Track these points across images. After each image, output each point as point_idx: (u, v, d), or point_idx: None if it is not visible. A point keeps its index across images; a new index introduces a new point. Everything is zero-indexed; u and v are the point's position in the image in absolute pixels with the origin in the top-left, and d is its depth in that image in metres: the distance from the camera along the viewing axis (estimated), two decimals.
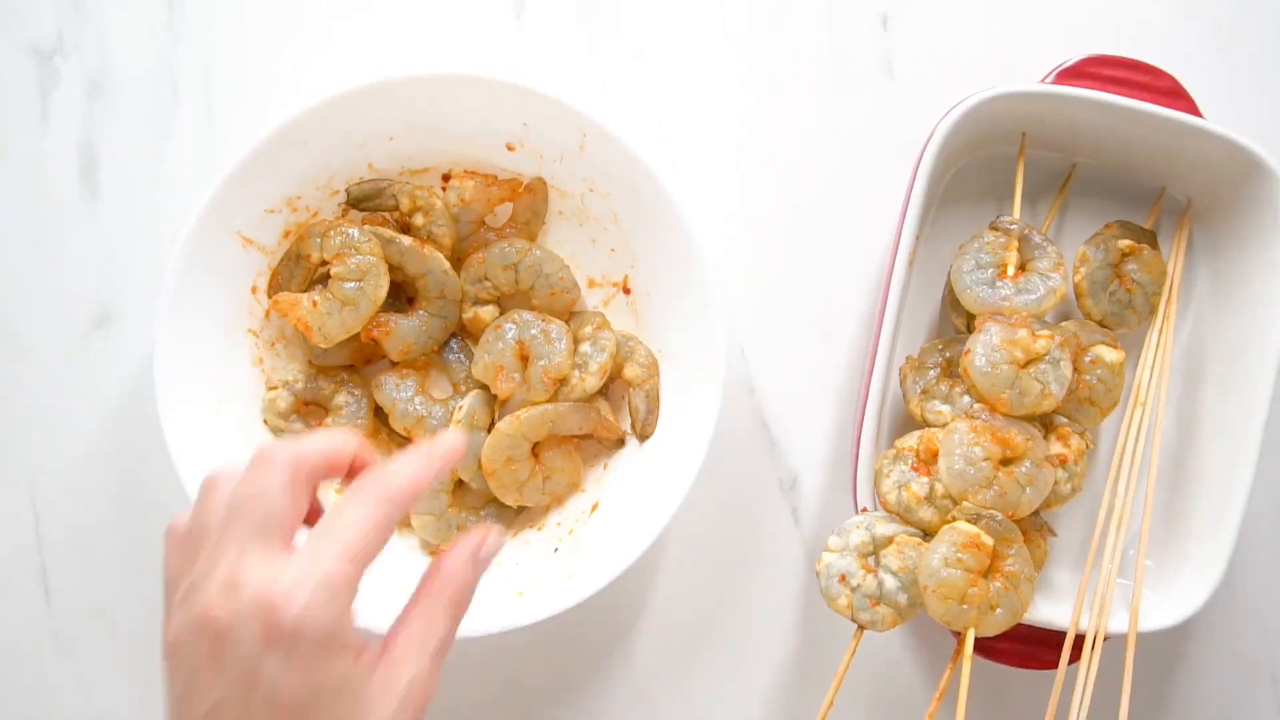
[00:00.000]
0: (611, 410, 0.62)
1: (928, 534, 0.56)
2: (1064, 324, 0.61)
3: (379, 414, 0.61)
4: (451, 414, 0.60)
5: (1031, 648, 0.59)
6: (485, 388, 0.61)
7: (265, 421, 0.60)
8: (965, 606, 0.54)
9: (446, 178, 0.62)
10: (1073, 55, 0.61)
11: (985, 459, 0.55)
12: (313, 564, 0.36)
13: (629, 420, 0.62)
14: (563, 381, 0.60)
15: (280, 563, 0.36)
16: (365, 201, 0.61)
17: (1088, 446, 0.59)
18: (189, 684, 0.35)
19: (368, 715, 0.37)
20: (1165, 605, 0.59)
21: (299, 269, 0.60)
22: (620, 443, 0.62)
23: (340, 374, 0.61)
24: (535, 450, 0.60)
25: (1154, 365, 0.62)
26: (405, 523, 0.60)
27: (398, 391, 0.60)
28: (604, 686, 0.63)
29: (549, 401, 0.60)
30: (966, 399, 0.58)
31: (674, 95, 0.66)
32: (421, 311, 0.61)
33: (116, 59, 0.63)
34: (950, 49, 0.66)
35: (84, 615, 0.62)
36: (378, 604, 0.56)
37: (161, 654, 0.37)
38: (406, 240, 0.60)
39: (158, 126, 0.63)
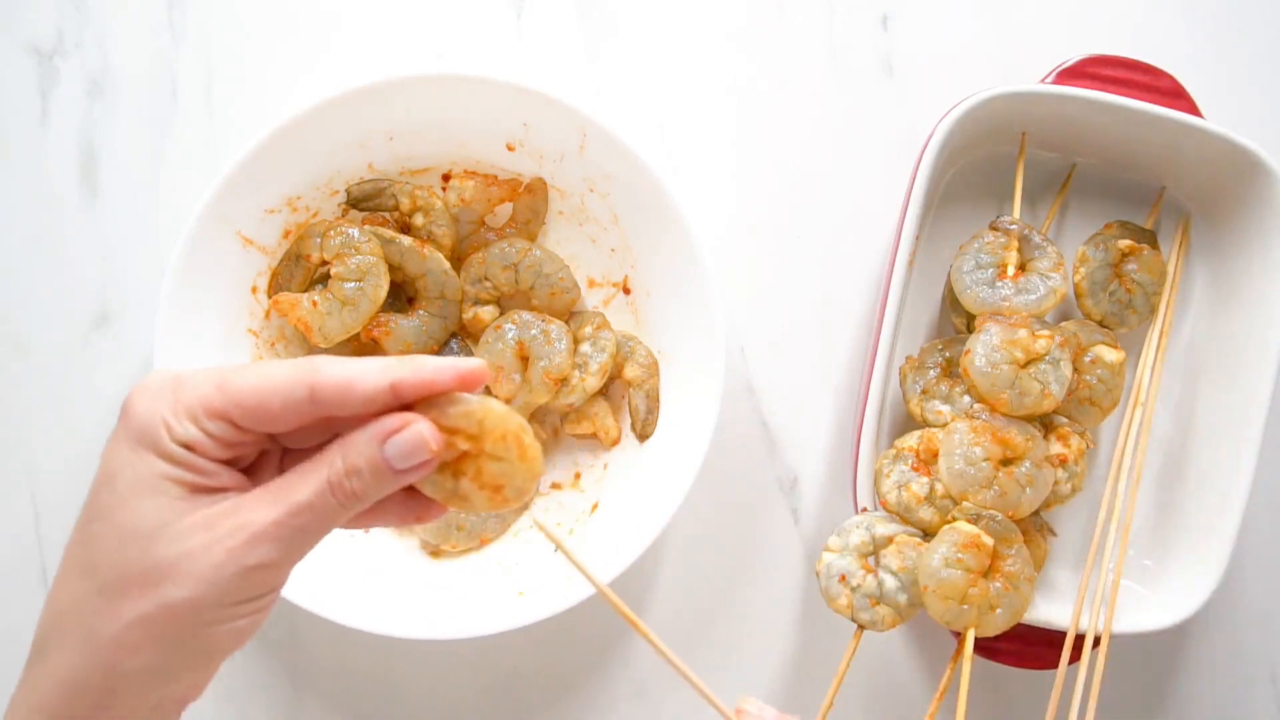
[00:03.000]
0: (612, 410, 0.62)
1: (928, 534, 0.56)
2: (1064, 324, 0.61)
3: None
4: None
5: (1031, 648, 0.59)
6: (485, 388, 0.61)
7: None
8: (965, 606, 0.54)
9: (446, 178, 0.62)
10: (1073, 55, 0.61)
11: (985, 459, 0.55)
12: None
13: (629, 420, 0.62)
14: (563, 381, 0.60)
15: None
16: (365, 201, 0.61)
17: (1088, 446, 0.59)
18: None
19: (158, 530, 0.35)
20: (1165, 605, 0.59)
21: (299, 269, 0.60)
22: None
23: None
24: None
25: (1154, 365, 0.62)
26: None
27: None
28: (604, 686, 0.63)
29: (549, 401, 0.60)
30: (966, 399, 0.58)
31: (674, 95, 0.66)
32: (421, 311, 0.61)
33: (116, 59, 0.63)
34: (950, 49, 0.66)
35: None
36: (373, 606, 0.57)
37: None
38: (406, 240, 0.60)
39: (158, 126, 0.63)
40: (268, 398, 0.35)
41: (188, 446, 0.35)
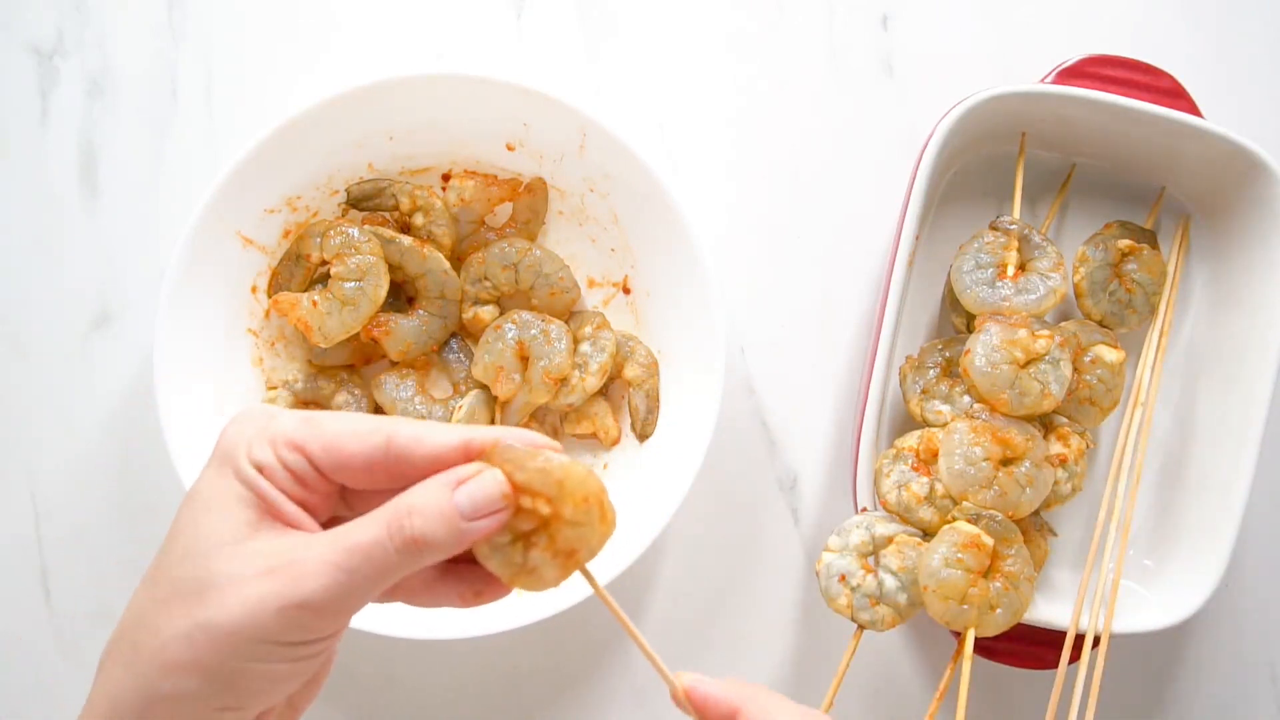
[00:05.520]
0: (611, 410, 0.62)
1: (928, 534, 0.56)
2: (1064, 324, 0.61)
3: (379, 414, 0.61)
4: (451, 414, 0.60)
5: (1031, 648, 0.59)
6: (485, 388, 0.61)
7: None
8: (965, 606, 0.54)
9: (446, 178, 0.62)
10: (1073, 55, 0.61)
11: (985, 459, 0.55)
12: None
13: (629, 420, 0.62)
14: (563, 381, 0.60)
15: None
16: (365, 201, 0.61)
17: (1088, 446, 0.59)
18: None
19: (215, 548, 0.34)
20: (1165, 605, 0.59)
21: (299, 269, 0.60)
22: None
23: (340, 374, 0.61)
24: None
25: (1154, 365, 0.62)
26: None
27: (398, 391, 0.60)
28: (604, 686, 0.63)
29: (549, 401, 0.60)
30: (966, 399, 0.58)
31: (674, 95, 0.66)
32: (421, 311, 0.61)
33: (116, 59, 0.63)
34: (950, 49, 0.66)
35: (84, 615, 0.62)
36: (374, 606, 0.57)
37: None
38: (406, 240, 0.60)
39: (158, 126, 0.63)
40: (346, 438, 0.35)
41: (259, 469, 0.35)
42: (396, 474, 0.35)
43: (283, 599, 0.33)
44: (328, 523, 0.37)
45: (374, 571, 0.34)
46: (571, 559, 0.35)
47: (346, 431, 0.35)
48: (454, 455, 0.35)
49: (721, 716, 0.38)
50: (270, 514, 0.35)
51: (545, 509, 0.34)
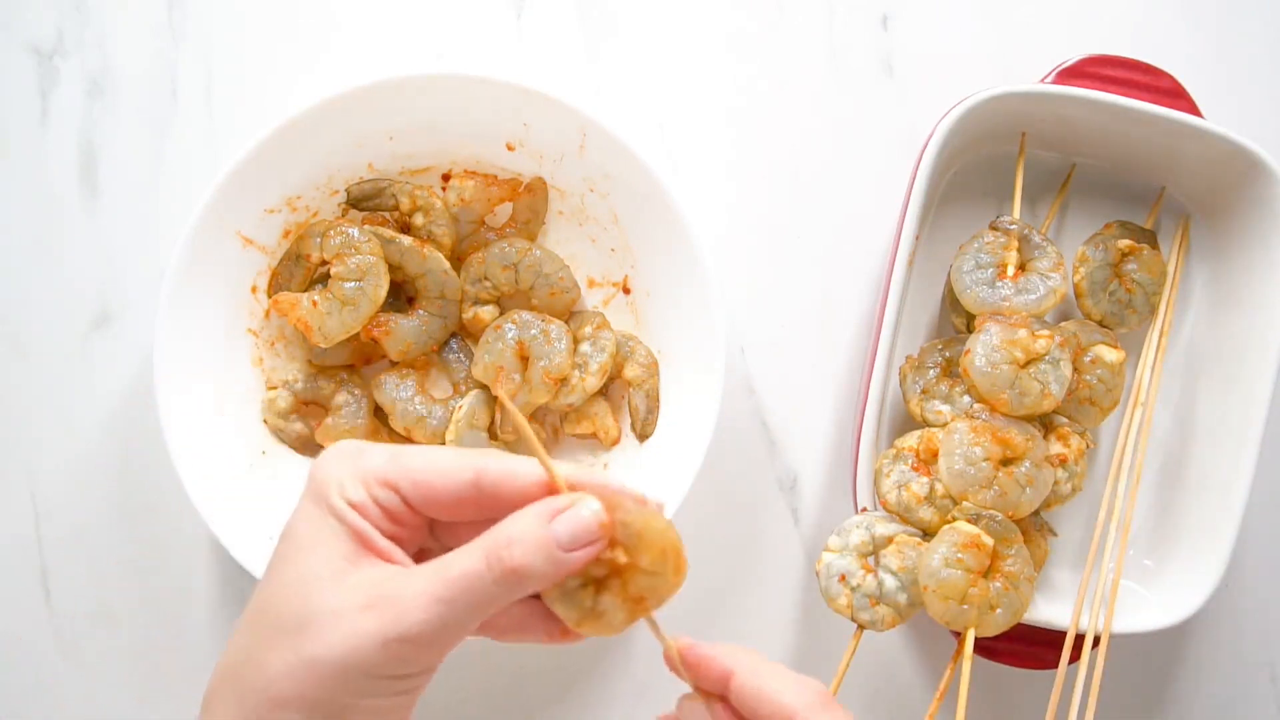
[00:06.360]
0: (611, 410, 0.62)
1: (928, 534, 0.56)
2: (1064, 324, 0.61)
3: (379, 414, 0.61)
4: (451, 414, 0.60)
5: (1031, 648, 0.59)
6: (485, 388, 0.61)
7: (265, 421, 0.60)
8: (965, 606, 0.54)
9: (446, 178, 0.62)
10: (1073, 55, 0.61)
11: (985, 459, 0.55)
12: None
13: (629, 420, 0.62)
14: (563, 381, 0.60)
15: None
16: (365, 201, 0.61)
17: (1088, 446, 0.59)
18: None
19: (315, 583, 0.34)
20: (1165, 605, 0.59)
21: (299, 269, 0.60)
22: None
23: (340, 374, 0.61)
24: None
25: (1154, 365, 0.62)
26: None
27: (398, 391, 0.60)
28: (604, 686, 0.63)
29: (549, 401, 0.60)
30: (966, 399, 0.58)
31: (674, 95, 0.66)
32: (421, 311, 0.61)
33: (116, 59, 0.63)
34: (950, 49, 0.66)
35: (84, 615, 0.62)
36: None
37: None
38: (406, 240, 0.60)
39: (158, 126, 0.63)
40: (434, 475, 0.35)
41: (354, 506, 0.35)
42: (486, 508, 0.36)
43: (385, 633, 0.33)
44: (416, 555, 0.37)
45: (474, 603, 0.34)
46: (640, 605, 0.35)
47: (435, 468, 0.36)
48: (543, 491, 0.35)
49: (715, 679, 0.38)
50: (366, 548, 0.35)
51: (623, 558, 0.35)
